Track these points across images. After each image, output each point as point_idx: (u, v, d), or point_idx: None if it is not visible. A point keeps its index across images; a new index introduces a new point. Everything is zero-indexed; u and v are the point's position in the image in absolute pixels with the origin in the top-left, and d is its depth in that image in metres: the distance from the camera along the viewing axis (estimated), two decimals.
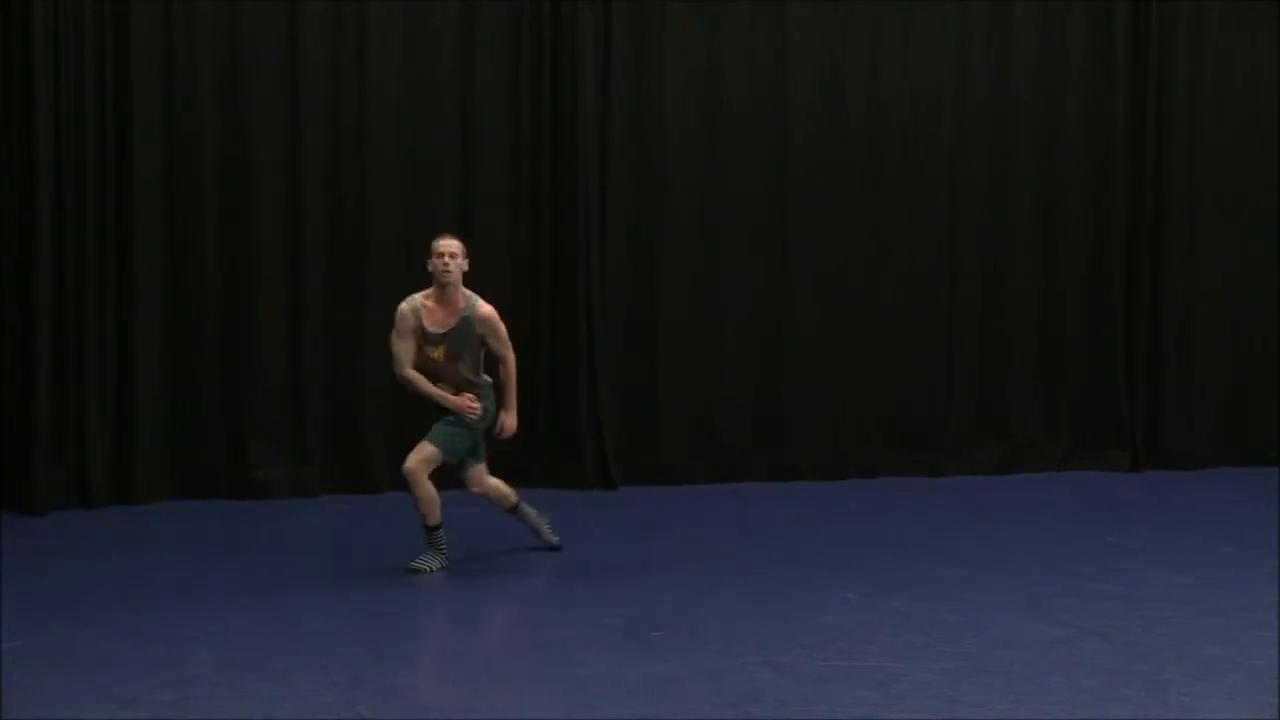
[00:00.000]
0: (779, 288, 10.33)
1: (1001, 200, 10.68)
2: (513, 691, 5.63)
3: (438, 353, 7.45)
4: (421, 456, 7.39)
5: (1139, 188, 10.85)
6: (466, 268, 7.51)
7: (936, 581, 7.47)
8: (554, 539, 7.97)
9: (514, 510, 7.90)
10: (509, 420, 7.62)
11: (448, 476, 7.58)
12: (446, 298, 7.46)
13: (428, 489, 7.40)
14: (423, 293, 7.52)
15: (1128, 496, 9.94)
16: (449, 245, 7.46)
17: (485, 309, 7.52)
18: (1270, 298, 11.17)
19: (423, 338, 7.44)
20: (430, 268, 7.47)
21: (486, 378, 7.65)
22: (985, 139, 10.64)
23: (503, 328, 7.56)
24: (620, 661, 5.99)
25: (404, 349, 7.43)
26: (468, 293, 7.52)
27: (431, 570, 7.47)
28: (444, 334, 7.44)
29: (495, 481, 7.76)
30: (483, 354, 7.60)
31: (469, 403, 7.45)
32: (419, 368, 7.45)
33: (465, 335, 7.47)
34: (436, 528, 7.48)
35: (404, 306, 7.46)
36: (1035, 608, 6.96)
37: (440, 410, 7.48)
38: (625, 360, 10.11)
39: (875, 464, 10.47)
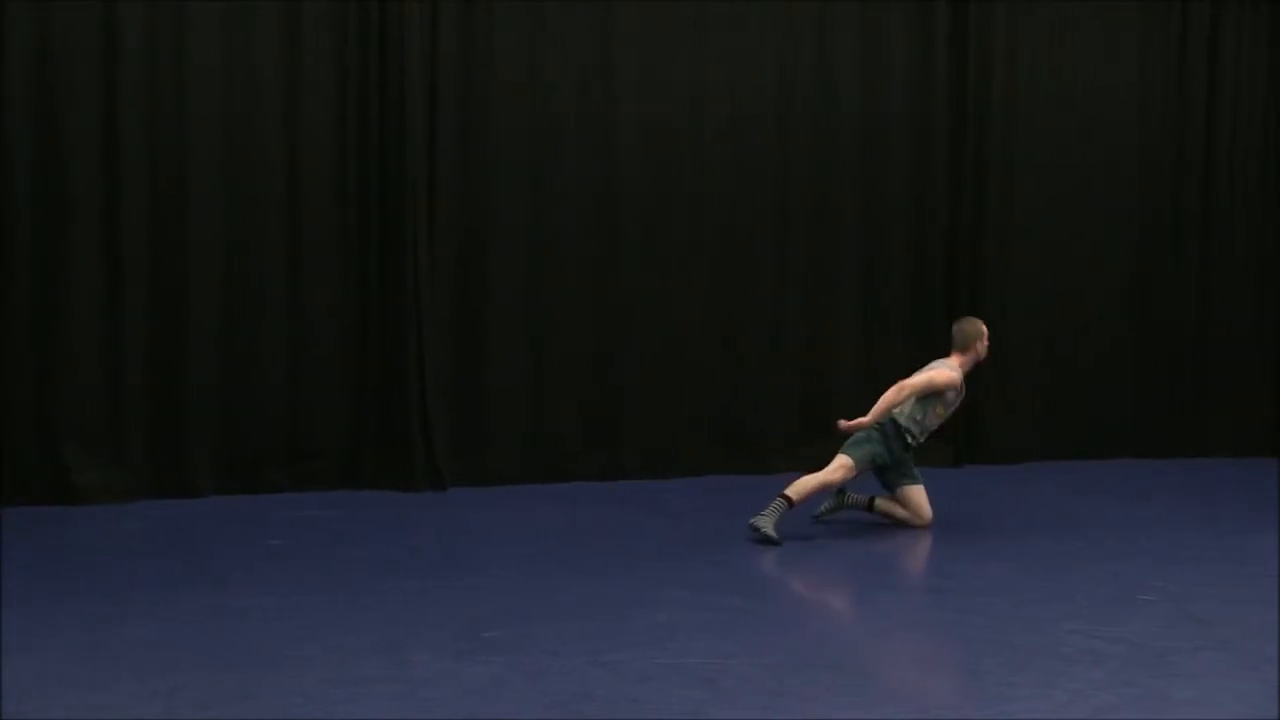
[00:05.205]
0: (609, 286, 10.37)
1: (824, 202, 10.87)
2: (342, 694, 5.56)
3: (947, 411, 8.71)
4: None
5: (958, 189, 11.14)
6: None
7: (765, 578, 7.56)
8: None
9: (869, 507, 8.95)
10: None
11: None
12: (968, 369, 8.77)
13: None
14: (960, 365, 8.70)
15: (949, 491, 10.16)
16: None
17: None
18: (1086, 295, 11.54)
19: (949, 400, 8.63)
20: (981, 350, 8.76)
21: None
22: (808, 141, 10.82)
23: None
24: (452, 663, 5.95)
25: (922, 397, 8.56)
26: None
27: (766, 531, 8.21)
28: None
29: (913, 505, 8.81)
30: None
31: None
32: (923, 420, 8.63)
33: None
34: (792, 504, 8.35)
35: (957, 378, 8.64)
36: (859, 602, 7.09)
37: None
38: (454, 360, 10.06)
39: (704, 461, 10.57)
